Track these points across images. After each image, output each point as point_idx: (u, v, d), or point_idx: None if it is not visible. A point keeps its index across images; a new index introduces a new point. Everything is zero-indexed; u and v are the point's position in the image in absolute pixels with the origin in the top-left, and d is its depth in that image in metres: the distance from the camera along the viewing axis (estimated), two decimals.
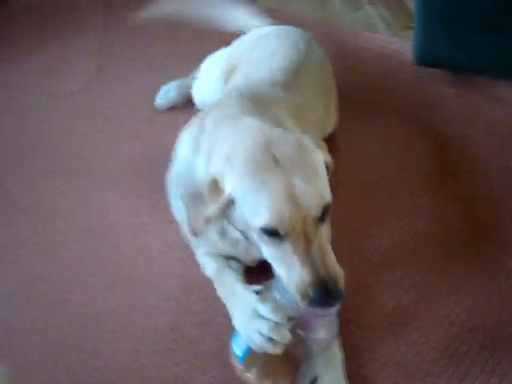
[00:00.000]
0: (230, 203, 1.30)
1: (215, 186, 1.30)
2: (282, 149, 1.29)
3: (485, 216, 2.04)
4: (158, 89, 2.50)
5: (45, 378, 1.61)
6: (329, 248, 1.31)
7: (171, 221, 1.88)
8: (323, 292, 1.24)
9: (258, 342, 1.37)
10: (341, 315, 1.57)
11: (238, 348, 1.44)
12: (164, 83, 2.51)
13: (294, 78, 1.88)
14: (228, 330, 1.53)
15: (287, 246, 1.26)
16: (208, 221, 1.37)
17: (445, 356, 1.65)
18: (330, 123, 2.17)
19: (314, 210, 1.25)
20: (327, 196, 1.30)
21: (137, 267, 1.86)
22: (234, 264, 1.69)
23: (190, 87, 2.38)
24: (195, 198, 1.36)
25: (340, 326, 1.55)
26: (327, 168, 1.38)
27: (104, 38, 2.97)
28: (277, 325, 1.36)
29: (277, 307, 1.38)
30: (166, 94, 2.46)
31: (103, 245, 1.95)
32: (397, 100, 2.51)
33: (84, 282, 1.83)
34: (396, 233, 1.96)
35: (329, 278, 1.25)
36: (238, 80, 1.93)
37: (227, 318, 1.62)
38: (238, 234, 1.52)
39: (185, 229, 1.65)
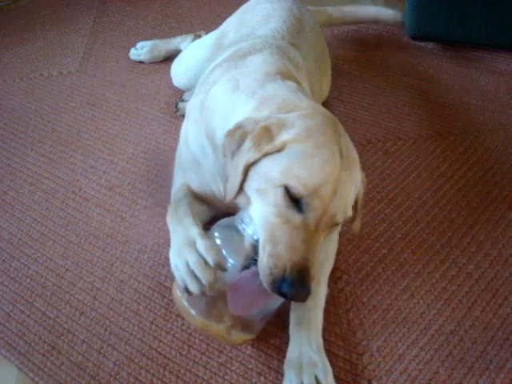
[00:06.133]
0: (269, 153, 1.23)
1: (266, 133, 1.23)
2: (347, 145, 1.28)
3: (480, 172, 2.01)
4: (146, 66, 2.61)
5: (16, 324, 1.53)
6: (319, 253, 1.25)
7: (140, 182, 1.97)
8: (300, 277, 1.17)
9: (182, 274, 1.31)
10: None
11: None
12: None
13: (296, 39, 1.84)
14: None
15: (296, 217, 1.19)
16: (245, 172, 1.25)
17: (439, 299, 1.58)
18: (325, 90, 2.14)
19: (340, 213, 1.22)
20: (350, 212, 1.27)
21: (106, 225, 1.83)
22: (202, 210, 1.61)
23: (162, 50, 2.62)
24: (238, 142, 1.27)
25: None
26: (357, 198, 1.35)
27: (95, 23, 3.04)
28: (206, 263, 1.28)
29: (216, 249, 1.31)
30: (140, 49, 2.63)
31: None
32: (391, 73, 2.51)
33: (59, 238, 1.79)
34: (384, 191, 1.90)
35: (308, 275, 1.18)
36: (235, 39, 1.89)
37: None
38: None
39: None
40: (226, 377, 1.38)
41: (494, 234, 1.74)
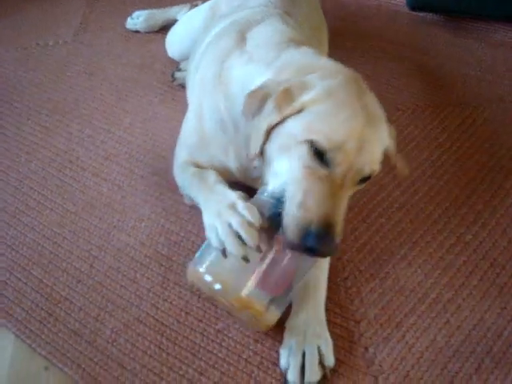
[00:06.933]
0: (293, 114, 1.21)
1: (287, 95, 1.22)
2: (372, 102, 1.26)
3: (478, 143, 2.01)
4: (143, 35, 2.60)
5: (13, 291, 1.53)
6: (345, 208, 1.23)
7: (137, 151, 1.96)
8: (324, 233, 1.15)
9: (222, 235, 1.26)
10: None
11: (199, 251, 1.34)
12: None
13: (291, 7, 1.81)
14: (199, 248, 1.42)
15: (319, 173, 1.18)
16: (267, 134, 1.25)
17: (437, 268, 1.58)
18: None
19: (366, 168, 1.20)
20: (378, 168, 1.24)
21: (103, 194, 1.82)
22: None
23: (158, 20, 2.60)
24: (259, 103, 1.26)
25: None
26: (389, 154, 1.33)
27: None
28: (250, 223, 1.25)
29: (257, 211, 1.27)
30: (136, 19, 2.60)
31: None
32: (389, 44, 2.50)
33: (56, 206, 1.78)
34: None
35: (334, 230, 1.16)
36: (227, 11, 1.86)
37: (198, 236, 1.62)
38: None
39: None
40: (223, 343, 1.39)
41: (492, 204, 1.74)
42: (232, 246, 1.24)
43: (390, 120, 1.88)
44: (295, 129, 1.21)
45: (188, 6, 2.52)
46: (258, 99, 1.27)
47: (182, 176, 1.59)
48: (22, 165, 1.90)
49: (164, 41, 2.37)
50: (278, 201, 1.23)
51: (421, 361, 1.36)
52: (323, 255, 1.19)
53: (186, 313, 1.46)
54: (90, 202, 1.76)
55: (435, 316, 1.45)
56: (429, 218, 1.70)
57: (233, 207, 1.29)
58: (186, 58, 2.13)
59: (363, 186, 1.27)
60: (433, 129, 2.03)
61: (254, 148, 1.27)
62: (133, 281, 1.53)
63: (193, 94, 1.68)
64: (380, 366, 1.34)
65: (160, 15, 2.59)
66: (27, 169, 1.89)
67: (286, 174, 1.23)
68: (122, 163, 1.89)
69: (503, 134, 2.00)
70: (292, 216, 1.16)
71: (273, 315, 1.30)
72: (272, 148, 1.26)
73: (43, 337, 1.42)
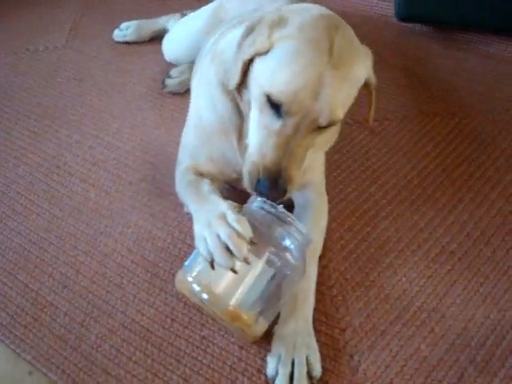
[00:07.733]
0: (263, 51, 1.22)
1: (263, 30, 1.23)
2: (343, 39, 1.22)
3: (465, 153, 2.02)
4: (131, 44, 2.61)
5: None
6: (303, 156, 1.26)
7: (125, 157, 1.95)
8: (271, 180, 1.24)
9: (209, 246, 1.26)
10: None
11: (188, 260, 1.34)
12: None
13: None
14: (186, 255, 1.45)
15: (275, 123, 1.22)
16: (244, 70, 1.28)
17: (422, 277, 1.58)
18: None
19: (322, 117, 1.20)
20: (340, 114, 1.22)
21: (90, 199, 1.82)
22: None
23: (148, 30, 2.56)
24: (242, 38, 1.30)
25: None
26: (368, 85, 1.34)
27: None
28: (239, 236, 1.26)
29: (248, 223, 1.28)
30: (125, 30, 2.56)
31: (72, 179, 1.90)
32: (378, 54, 2.41)
33: (43, 211, 1.78)
34: (370, 170, 1.93)
35: (283, 174, 1.23)
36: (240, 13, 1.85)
37: (185, 243, 1.63)
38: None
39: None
40: (207, 350, 1.38)
41: (477, 214, 1.75)
42: (220, 258, 1.24)
43: (378, 130, 1.92)
44: (261, 75, 1.23)
45: (178, 15, 2.50)
46: (245, 36, 1.30)
47: (181, 184, 1.59)
48: (10, 169, 1.89)
49: (154, 48, 2.39)
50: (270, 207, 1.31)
51: (405, 369, 1.36)
52: (274, 199, 1.28)
53: (172, 319, 1.45)
54: (76, 208, 1.75)
55: (420, 324, 1.45)
56: (414, 227, 1.71)
57: (223, 218, 1.30)
58: (184, 61, 2.15)
59: (327, 131, 1.28)
60: (420, 138, 2.04)
61: (233, 80, 1.31)
62: (119, 286, 1.52)
63: (193, 94, 1.68)
64: (364, 373, 1.34)
65: (149, 26, 2.58)
66: (15, 173, 1.88)
67: (250, 129, 1.29)
68: (110, 169, 1.89)
69: (490, 144, 2.01)
70: (244, 170, 1.28)
71: (261, 327, 1.30)
72: (251, 94, 1.29)
73: (28, 342, 1.42)
